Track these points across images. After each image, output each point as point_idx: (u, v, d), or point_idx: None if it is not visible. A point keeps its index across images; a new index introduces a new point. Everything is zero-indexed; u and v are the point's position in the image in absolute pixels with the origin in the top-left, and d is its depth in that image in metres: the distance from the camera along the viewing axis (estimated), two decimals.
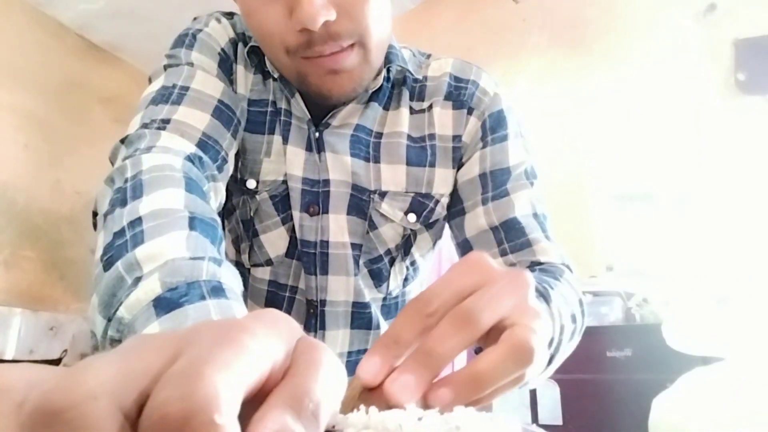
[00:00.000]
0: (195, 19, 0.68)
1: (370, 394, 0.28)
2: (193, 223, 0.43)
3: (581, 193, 2.27)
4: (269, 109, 0.66)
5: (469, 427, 0.22)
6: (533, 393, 1.58)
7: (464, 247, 0.67)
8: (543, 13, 2.57)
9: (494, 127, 0.68)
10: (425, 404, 0.28)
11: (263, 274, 0.68)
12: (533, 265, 0.61)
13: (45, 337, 2.43)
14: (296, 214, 0.66)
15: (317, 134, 0.66)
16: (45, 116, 2.59)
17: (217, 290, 0.37)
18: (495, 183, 0.66)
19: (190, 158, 0.53)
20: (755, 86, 2.09)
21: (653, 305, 1.66)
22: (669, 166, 2.16)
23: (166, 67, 0.62)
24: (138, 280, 0.38)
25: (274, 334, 0.19)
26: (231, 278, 0.40)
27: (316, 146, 0.66)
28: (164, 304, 0.36)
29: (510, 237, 0.63)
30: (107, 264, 0.41)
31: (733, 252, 1.92)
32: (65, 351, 2.46)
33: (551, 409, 1.55)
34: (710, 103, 2.15)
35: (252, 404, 0.17)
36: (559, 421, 1.54)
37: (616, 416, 1.44)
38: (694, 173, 2.11)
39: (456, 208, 0.69)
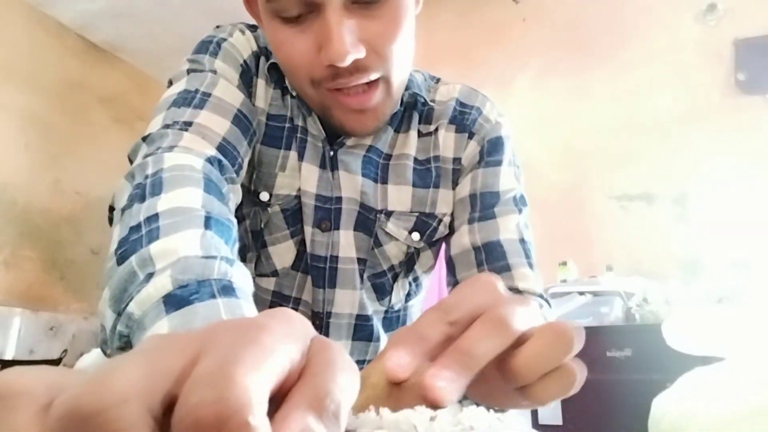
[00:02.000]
0: (218, 27, 0.69)
1: (398, 389, 0.26)
2: (209, 222, 0.44)
3: (581, 193, 2.28)
4: (287, 125, 0.67)
5: (482, 427, 0.22)
6: None
7: (449, 264, 0.69)
8: (543, 13, 2.57)
9: (490, 152, 0.70)
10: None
11: (268, 284, 0.69)
12: (510, 291, 0.62)
13: (45, 337, 2.43)
14: (308, 229, 0.67)
15: (332, 153, 0.67)
16: (45, 116, 2.58)
17: (228, 289, 0.38)
18: (483, 204, 0.67)
19: (210, 160, 0.53)
20: (755, 86, 2.10)
21: (653, 305, 1.66)
22: (669, 166, 2.16)
23: (189, 71, 0.63)
24: (150, 276, 0.38)
25: (291, 334, 0.19)
26: (242, 278, 0.40)
27: (330, 164, 0.67)
28: (174, 301, 0.36)
29: (490, 259, 0.64)
30: (121, 258, 0.41)
31: (733, 252, 1.92)
32: (65, 351, 2.46)
33: (551, 409, 1.54)
34: (710, 103, 2.16)
35: (270, 404, 0.17)
36: (558, 421, 1.53)
37: (616, 416, 1.44)
38: (693, 173, 2.12)
39: (451, 227, 0.71)
